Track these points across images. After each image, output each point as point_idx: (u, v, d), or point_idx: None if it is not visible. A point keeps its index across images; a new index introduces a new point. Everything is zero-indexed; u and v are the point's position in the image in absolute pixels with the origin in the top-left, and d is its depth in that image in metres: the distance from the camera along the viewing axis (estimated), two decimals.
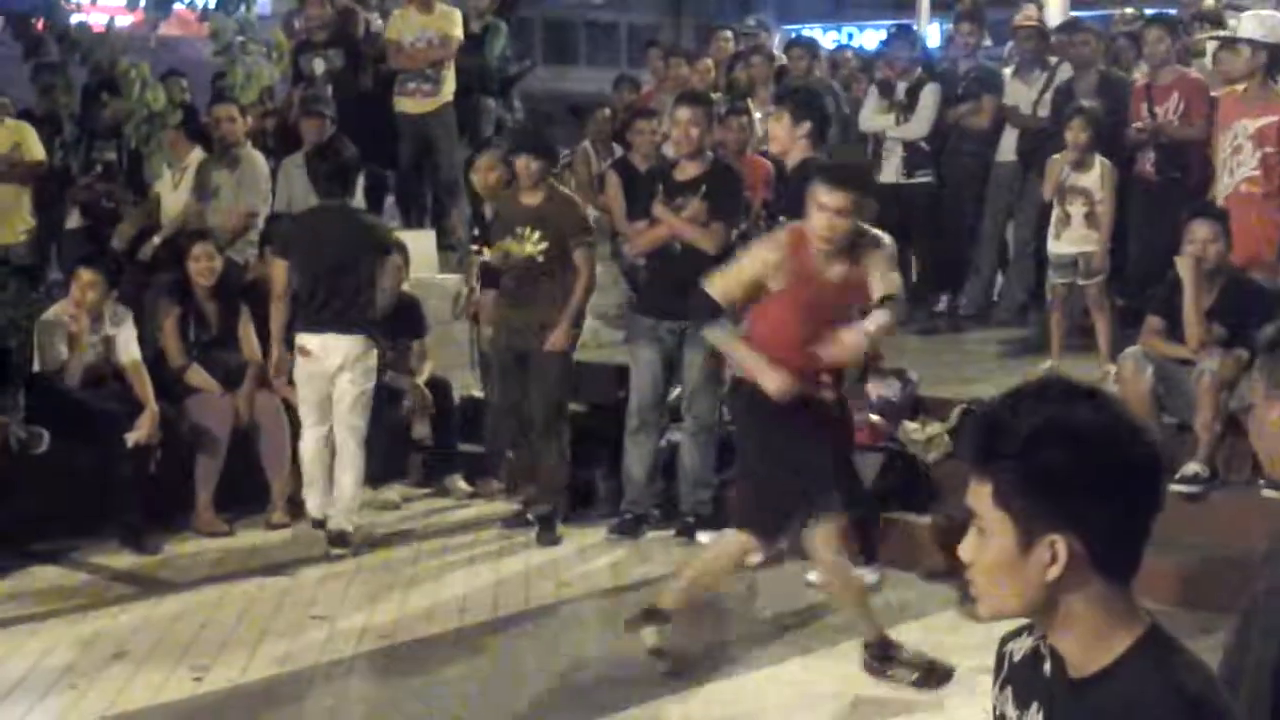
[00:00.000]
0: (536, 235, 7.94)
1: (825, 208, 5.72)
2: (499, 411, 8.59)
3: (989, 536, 2.02)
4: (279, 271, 8.15)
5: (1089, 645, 2.00)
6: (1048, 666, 2.08)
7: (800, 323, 5.75)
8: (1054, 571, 1.97)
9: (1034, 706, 2.09)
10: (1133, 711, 1.93)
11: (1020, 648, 2.17)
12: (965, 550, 2.05)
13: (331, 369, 7.93)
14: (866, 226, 5.97)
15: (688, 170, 7.96)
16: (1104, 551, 1.97)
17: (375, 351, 8.07)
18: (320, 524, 8.07)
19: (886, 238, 6.05)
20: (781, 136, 7.64)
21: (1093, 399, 2.02)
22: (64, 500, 7.95)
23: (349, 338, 7.91)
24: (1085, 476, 1.95)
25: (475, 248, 8.90)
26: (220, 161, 10.02)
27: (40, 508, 7.85)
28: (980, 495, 2.02)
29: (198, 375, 8.44)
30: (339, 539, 7.86)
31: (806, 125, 7.58)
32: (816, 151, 7.61)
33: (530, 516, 8.19)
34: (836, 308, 5.83)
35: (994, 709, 2.19)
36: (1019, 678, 2.15)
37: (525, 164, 8.00)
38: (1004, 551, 2.00)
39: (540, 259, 7.96)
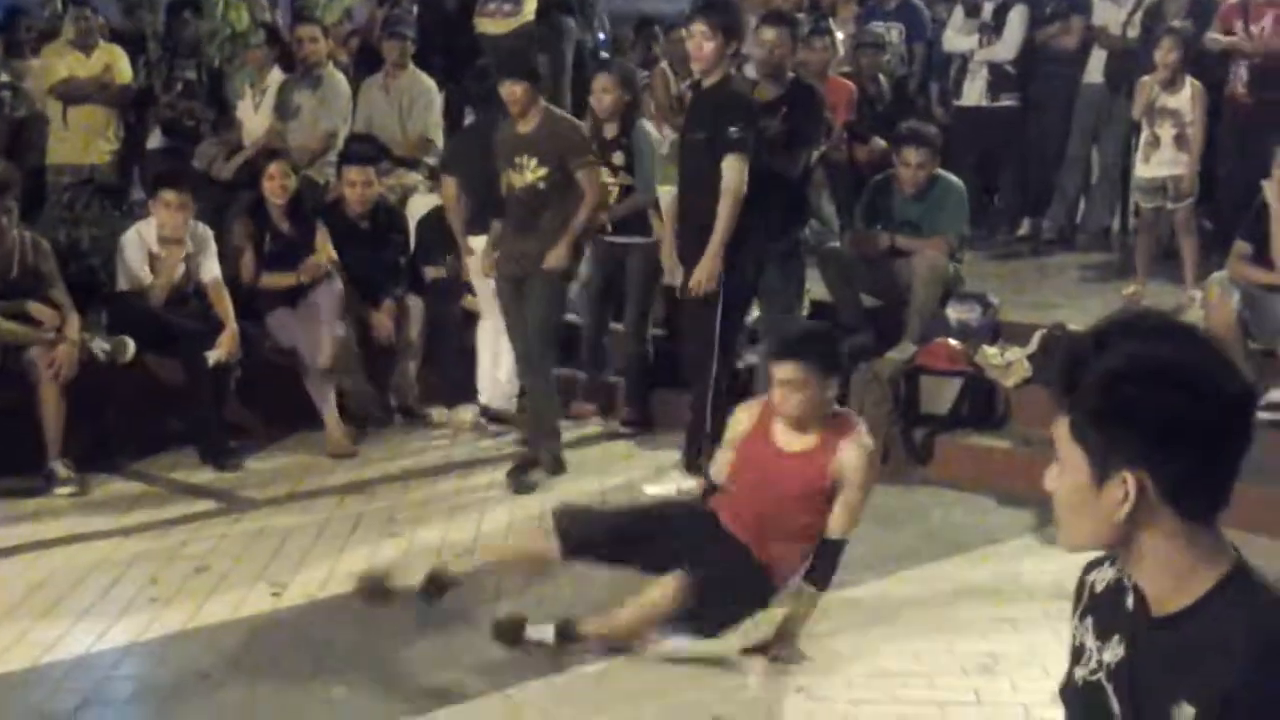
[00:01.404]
0: (534, 162, 7.72)
1: None
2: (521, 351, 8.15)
3: (1066, 470, 1.99)
4: (448, 187, 8.78)
5: (1169, 583, 1.96)
6: (1130, 600, 2.03)
7: None
8: (1125, 509, 1.93)
9: (1115, 639, 2.05)
10: (1215, 651, 1.89)
11: (1102, 578, 2.12)
12: (1047, 481, 2.02)
13: None
14: None
15: (768, 92, 7.85)
16: (1180, 490, 1.92)
17: None
18: (485, 411, 8.67)
19: None
20: (709, 55, 7.34)
21: (1182, 335, 1.96)
22: (146, 417, 8.06)
23: None
24: (1161, 414, 1.90)
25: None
26: (302, 82, 10.05)
27: (123, 424, 7.96)
28: (1060, 428, 1.99)
29: (271, 277, 8.51)
30: (495, 418, 8.68)
31: (735, 45, 7.40)
32: (732, 70, 7.49)
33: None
34: None
35: (1073, 638, 2.15)
36: (1100, 608, 2.11)
37: (509, 89, 7.71)
38: (1078, 486, 1.97)
39: (542, 185, 7.75)
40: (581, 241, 8.02)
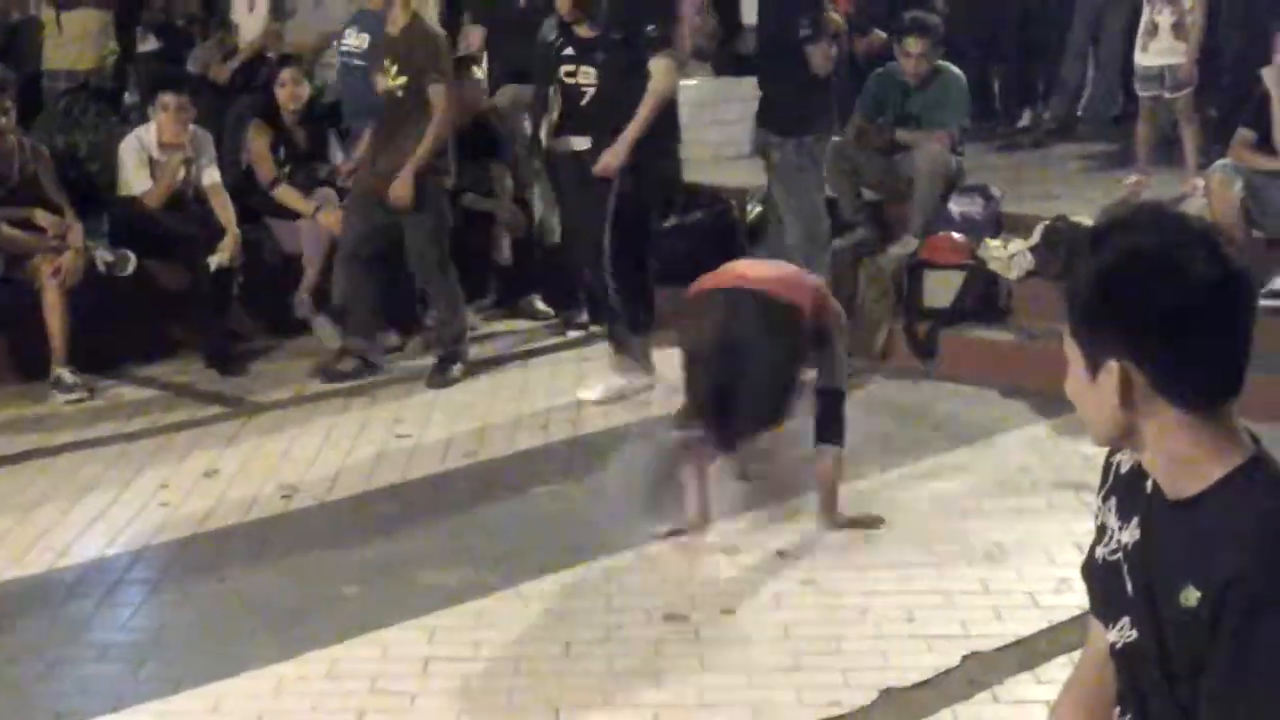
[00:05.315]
0: (395, 69, 7.51)
1: None
2: (347, 250, 7.95)
3: (1070, 367, 2.02)
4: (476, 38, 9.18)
5: (1178, 472, 1.97)
6: (1149, 484, 2.06)
7: None
8: (1114, 399, 1.95)
9: (1134, 521, 2.07)
10: (1224, 538, 1.91)
11: (1127, 460, 2.13)
12: (1066, 382, 2.05)
13: None
14: None
15: None
16: (1166, 378, 1.93)
17: None
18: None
19: None
20: None
21: (1169, 224, 1.97)
22: (151, 323, 8.07)
23: None
24: (1136, 303, 1.91)
25: None
26: None
27: (127, 330, 7.97)
28: (1065, 329, 2.02)
29: (289, 194, 8.45)
30: None
31: None
32: None
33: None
34: None
35: (1096, 517, 2.18)
36: (1123, 489, 2.13)
37: None
38: (1078, 379, 2.00)
39: (400, 94, 7.54)
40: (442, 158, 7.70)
